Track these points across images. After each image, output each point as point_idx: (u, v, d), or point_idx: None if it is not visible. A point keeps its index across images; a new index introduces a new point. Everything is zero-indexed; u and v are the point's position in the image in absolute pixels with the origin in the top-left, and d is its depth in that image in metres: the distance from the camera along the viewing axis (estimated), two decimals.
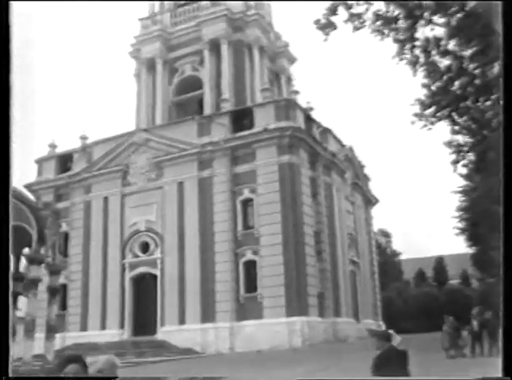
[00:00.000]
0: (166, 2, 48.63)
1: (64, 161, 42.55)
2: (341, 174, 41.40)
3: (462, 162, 25.90)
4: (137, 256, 37.82)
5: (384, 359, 6.93)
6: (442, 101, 21.46)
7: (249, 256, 34.59)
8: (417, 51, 20.71)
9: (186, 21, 46.37)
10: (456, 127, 23.46)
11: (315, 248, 35.79)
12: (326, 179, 38.84)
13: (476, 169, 28.71)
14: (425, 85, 21.84)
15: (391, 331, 7.60)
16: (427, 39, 20.35)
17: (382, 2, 20.23)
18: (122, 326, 36.94)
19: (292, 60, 50.59)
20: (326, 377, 16.44)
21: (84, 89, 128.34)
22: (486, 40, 17.86)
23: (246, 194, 35.56)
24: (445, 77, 21.00)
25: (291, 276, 32.99)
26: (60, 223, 38.10)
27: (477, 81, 20.25)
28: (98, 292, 38.08)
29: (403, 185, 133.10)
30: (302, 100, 40.43)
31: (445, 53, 20.56)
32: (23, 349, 12.62)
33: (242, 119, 37.16)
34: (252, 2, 46.56)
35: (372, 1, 20.25)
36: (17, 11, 5.64)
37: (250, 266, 34.54)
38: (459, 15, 19.44)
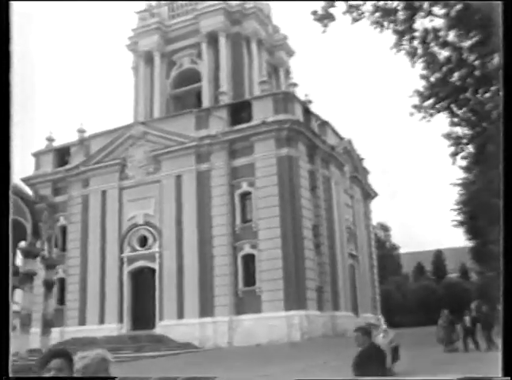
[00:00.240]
0: None
1: (62, 155, 42.40)
2: (339, 167, 41.27)
3: (461, 154, 25.72)
4: (135, 250, 37.71)
5: (364, 358, 6.97)
6: (441, 93, 21.29)
7: (247, 249, 34.48)
8: (415, 43, 20.54)
9: (184, 14, 46.16)
10: (456, 119, 23.28)
11: (314, 241, 35.69)
12: (325, 172, 38.71)
13: (476, 162, 28.53)
14: (423, 77, 21.66)
15: (384, 326, 7.70)
16: (426, 31, 20.18)
17: None
18: (120, 320, 36.87)
19: (290, 53, 50.40)
20: (325, 371, 16.36)
21: (82, 82, 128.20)
22: (485, 31, 17.69)
23: (245, 187, 35.43)
24: (444, 69, 20.82)
25: (289, 270, 32.89)
26: (57, 217, 38.01)
27: (477, 73, 20.08)
28: (96, 286, 37.98)
29: (402, 178, 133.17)
30: (300, 93, 40.28)
31: (444, 44, 20.38)
32: (19, 344, 12.49)
33: (240, 112, 37.00)
34: None
35: None
36: (16, 11, 5.55)
37: (249, 260, 34.44)
38: (458, 6, 19.26)
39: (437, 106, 22.00)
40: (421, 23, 20.28)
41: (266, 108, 35.84)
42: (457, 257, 69.06)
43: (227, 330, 33.32)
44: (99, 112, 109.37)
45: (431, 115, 22.27)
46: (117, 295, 37.29)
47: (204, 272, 34.77)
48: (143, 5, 48.10)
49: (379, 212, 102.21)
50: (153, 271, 36.78)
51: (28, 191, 34.17)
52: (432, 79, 21.72)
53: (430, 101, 22.10)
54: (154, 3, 48.11)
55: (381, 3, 20.17)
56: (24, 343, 11.93)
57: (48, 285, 14.33)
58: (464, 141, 24.83)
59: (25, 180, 40.99)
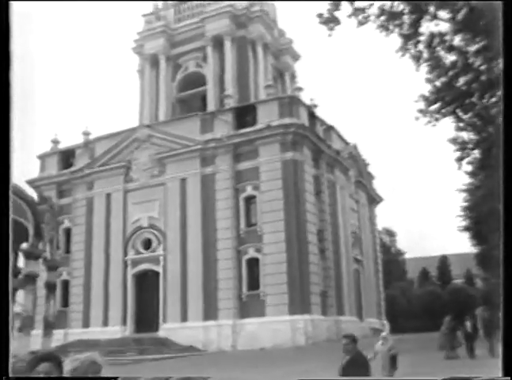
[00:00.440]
0: None
1: (67, 157, 42.49)
2: (344, 172, 41.17)
3: (467, 160, 25.62)
4: (139, 253, 37.69)
5: (351, 367, 6.97)
6: (447, 97, 21.19)
7: (251, 253, 34.41)
8: (421, 46, 20.45)
9: (190, 17, 46.22)
10: (461, 124, 23.19)
11: (319, 246, 35.59)
12: (330, 177, 38.62)
13: (481, 167, 28.38)
14: (429, 81, 21.57)
15: (384, 333, 7.75)
16: (432, 35, 20.10)
17: None
18: (124, 323, 36.82)
19: (296, 57, 50.35)
20: (329, 376, 16.24)
21: (87, 84, 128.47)
22: (492, 36, 17.59)
23: (249, 191, 35.38)
24: (450, 73, 20.73)
25: (294, 274, 32.79)
26: (61, 219, 38.08)
27: (483, 77, 19.97)
28: (100, 289, 37.97)
29: (407, 183, 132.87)
30: (306, 97, 40.25)
31: (450, 48, 20.29)
32: (19, 345, 12.45)
33: (245, 115, 36.98)
34: None
35: None
36: (16, 11, 5.55)
37: (253, 263, 34.37)
38: (464, 10, 19.17)
39: (442, 111, 21.91)
40: (427, 27, 20.21)
41: (271, 111, 35.80)
42: (463, 263, 68.73)
43: (230, 334, 33.23)
44: (105, 115, 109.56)
45: (437, 119, 22.17)
46: (121, 298, 37.25)
47: (208, 276, 34.70)
48: (149, 9, 48.23)
49: (384, 217, 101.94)
50: (157, 274, 36.74)
51: (31, 192, 34.15)
52: (438, 84, 21.63)
53: (436, 106, 22.01)
54: (160, 6, 48.18)
55: (387, 6, 20.10)
56: (25, 345, 11.89)
57: (50, 287, 14.28)
58: (470, 146, 24.72)
59: (30, 183, 41.11)
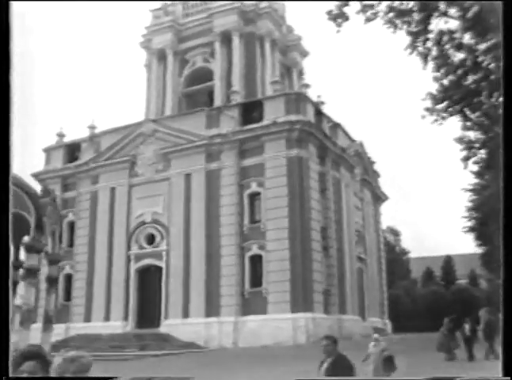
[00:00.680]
0: None
1: (72, 151, 42.41)
2: (350, 170, 40.96)
3: (473, 159, 25.39)
4: (143, 248, 37.59)
5: (335, 368, 6.93)
6: (454, 96, 20.96)
7: (255, 250, 34.28)
8: (429, 44, 20.23)
9: (198, 13, 46.02)
10: (468, 123, 22.95)
11: (322, 243, 35.40)
12: (335, 174, 38.42)
13: (488, 167, 28.15)
14: (436, 79, 21.34)
15: (376, 335, 7.71)
16: (441, 32, 19.87)
17: None
18: (126, 318, 36.75)
19: (304, 54, 50.12)
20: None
21: (94, 79, 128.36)
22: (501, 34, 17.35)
23: (254, 187, 35.23)
24: (458, 72, 20.49)
25: (297, 272, 32.65)
26: (65, 213, 38.03)
27: (492, 76, 19.72)
28: (103, 283, 37.91)
29: (413, 182, 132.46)
30: (312, 94, 40.02)
31: (459, 46, 20.06)
32: (18, 339, 12.30)
33: (251, 111, 36.80)
34: None
35: None
36: (16, 10, 5.48)
37: (256, 260, 34.24)
38: (474, 8, 18.93)
39: (449, 109, 21.68)
40: (436, 24, 19.99)
41: (278, 108, 35.62)
42: (467, 263, 68.47)
43: (232, 330, 33.12)
44: (111, 109, 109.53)
45: (443, 118, 21.95)
46: (123, 293, 37.17)
47: (211, 272, 34.59)
48: (157, 3, 48.05)
49: (389, 216, 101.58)
50: (160, 269, 36.64)
51: (34, 184, 34.08)
52: (445, 82, 21.39)
53: (443, 104, 21.77)
54: (168, 1, 48.02)
55: (396, 3, 19.89)
56: (24, 339, 11.73)
57: (51, 281, 14.10)
58: (477, 145, 24.49)
59: (35, 176, 41.09)
